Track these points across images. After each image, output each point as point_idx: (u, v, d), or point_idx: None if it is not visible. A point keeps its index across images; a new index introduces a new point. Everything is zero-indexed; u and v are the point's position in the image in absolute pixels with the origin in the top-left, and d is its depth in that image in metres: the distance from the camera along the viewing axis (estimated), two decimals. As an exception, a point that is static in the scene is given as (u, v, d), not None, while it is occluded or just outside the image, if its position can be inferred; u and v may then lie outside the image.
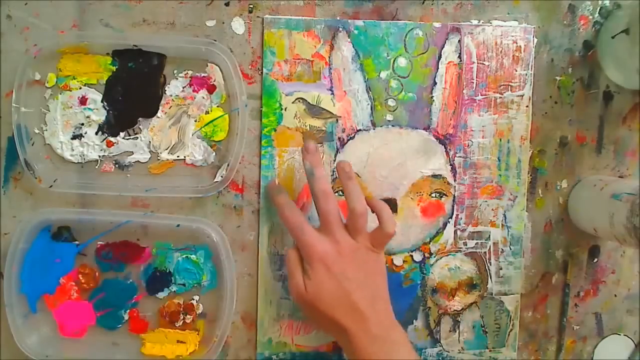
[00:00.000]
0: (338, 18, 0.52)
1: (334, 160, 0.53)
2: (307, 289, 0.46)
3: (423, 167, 0.54)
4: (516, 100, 0.55)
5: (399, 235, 0.53)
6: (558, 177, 0.56)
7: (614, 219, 0.49)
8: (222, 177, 0.50)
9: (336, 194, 0.53)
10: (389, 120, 0.53)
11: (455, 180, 0.55)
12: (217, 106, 0.51)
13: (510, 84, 0.54)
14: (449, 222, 0.55)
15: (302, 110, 0.52)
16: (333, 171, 0.53)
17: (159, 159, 0.51)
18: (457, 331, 0.56)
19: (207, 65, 0.51)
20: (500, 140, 0.55)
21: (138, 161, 0.51)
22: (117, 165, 0.51)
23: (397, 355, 0.45)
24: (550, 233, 0.57)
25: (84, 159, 0.51)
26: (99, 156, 0.51)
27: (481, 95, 0.54)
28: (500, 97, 0.54)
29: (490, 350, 0.56)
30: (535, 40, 0.54)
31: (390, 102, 0.53)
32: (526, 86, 0.55)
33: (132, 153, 0.51)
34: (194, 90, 0.51)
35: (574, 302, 0.58)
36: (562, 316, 0.58)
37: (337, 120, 0.53)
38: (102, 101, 0.50)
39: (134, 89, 0.51)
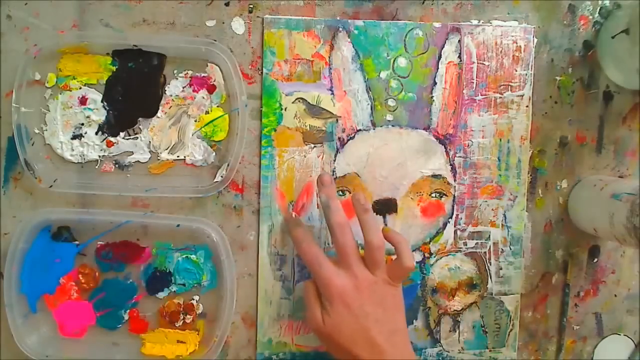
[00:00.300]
0: (338, 18, 0.52)
1: (334, 160, 0.53)
2: (325, 322, 0.46)
3: (423, 167, 0.54)
4: (516, 100, 0.55)
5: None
6: (558, 177, 0.56)
7: (614, 219, 0.49)
8: (222, 177, 0.50)
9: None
10: (389, 120, 0.53)
11: (455, 180, 0.55)
12: (217, 106, 0.51)
13: (510, 84, 0.54)
14: (449, 222, 0.55)
15: (302, 110, 0.52)
16: (333, 171, 0.53)
17: (159, 159, 0.51)
18: (457, 331, 0.56)
19: (207, 65, 0.51)
20: (500, 140, 0.55)
21: (138, 161, 0.51)
22: (117, 165, 0.51)
23: None
24: (550, 233, 0.57)
25: (84, 159, 0.51)
26: (99, 156, 0.51)
27: (481, 95, 0.54)
28: (500, 97, 0.54)
29: (490, 350, 0.56)
30: (535, 40, 0.54)
31: (390, 102, 0.53)
32: (526, 86, 0.54)
33: (132, 153, 0.51)
34: (194, 90, 0.51)
35: (574, 302, 0.58)
36: (562, 316, 0.58)
37: (337, 120, 0.53)
38: (102, 101, 0.50)
39: (134, 89, 0.51)
